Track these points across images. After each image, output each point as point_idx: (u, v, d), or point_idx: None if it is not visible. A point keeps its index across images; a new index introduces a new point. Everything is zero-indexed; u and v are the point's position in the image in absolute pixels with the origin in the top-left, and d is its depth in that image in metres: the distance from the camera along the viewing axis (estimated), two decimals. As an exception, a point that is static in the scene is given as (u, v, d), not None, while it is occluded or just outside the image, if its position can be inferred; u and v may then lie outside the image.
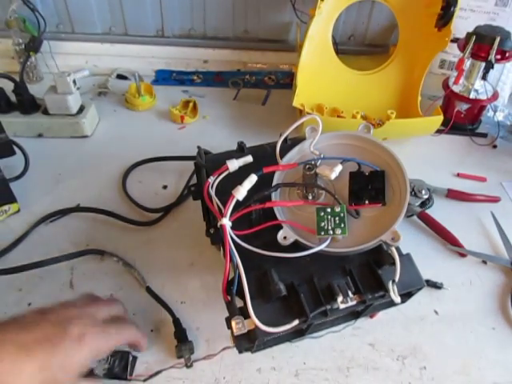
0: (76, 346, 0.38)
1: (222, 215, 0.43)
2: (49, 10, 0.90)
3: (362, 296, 0.42)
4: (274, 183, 0.47)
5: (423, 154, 0.79)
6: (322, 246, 0.42)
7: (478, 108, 0.82)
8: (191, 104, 0.85)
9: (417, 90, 0.81)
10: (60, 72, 0.76)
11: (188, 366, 0.49)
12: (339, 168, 0.45)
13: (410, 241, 0.63)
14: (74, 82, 0.75)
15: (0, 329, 0.37)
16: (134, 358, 0.48)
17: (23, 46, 0.86)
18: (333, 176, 0.45)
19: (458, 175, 0.75)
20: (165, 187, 0.71)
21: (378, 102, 0.83)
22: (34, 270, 0.56)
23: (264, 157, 0.50)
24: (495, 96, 0.79)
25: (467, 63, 0.77)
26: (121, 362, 0.47)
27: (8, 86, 0.74)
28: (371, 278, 0.44)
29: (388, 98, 0.84)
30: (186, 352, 0.49)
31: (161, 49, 0.96)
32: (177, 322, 0.52)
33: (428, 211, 0.66)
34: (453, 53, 0.85)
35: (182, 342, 0.49)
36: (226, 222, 0.43)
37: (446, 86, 0.83)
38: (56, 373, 0.37)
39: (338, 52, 0.83)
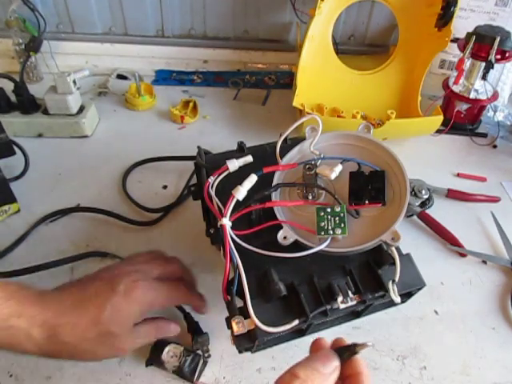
0: (123, 301, 0.42)
1: (222, 215, 0.43)
2: (49, 10, 0.90)
3: (362, 296, 0.42)
4: (274, 183, 0.47)
5: (423, 154, 0.79)
6: (322, 246, 0.42)
7: (477, 108, 0.82)
8: (191, 104, 0.85)
9: (417, 90, 0.81)
10: (60, 72, 0.76)
11: (206, 356, 0.49)
12: (339, 168, 0.45)
13: (410, 241, 0.64)
14: (74, 81, 0.75)
15: (62, 288, 0.44)
16: (205, 363, 0.49)
17: (23, 46, 0.86)
18: (333, 176, 0.45)
19: (458, 175, 0.75)
20: (165, 187, 0.71)
21: (378, 101, 0.83)
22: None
23: (264, 157, 0.50)
24: (495, 96, 0.79)
25: (467, 63, 0.77)
26: (191, 364, 0.47)
27: (8, 86, 0.74)
28: (371, 278, 0.44)
29: (388, 98, 0.84)
30: (203, 343, 0.49)
31: (161, 49, 0.96)
32: (188, 316, 0.52)
33: (428, 211, 0.66)
34: (453, 53, 0.85)
35: (198, 335, 0.50)
36: (226, 222, 0.43)
37: (446, 86, 0.83)
38: (109, 326, 0.41)
39: (338, 52, 0.83)
